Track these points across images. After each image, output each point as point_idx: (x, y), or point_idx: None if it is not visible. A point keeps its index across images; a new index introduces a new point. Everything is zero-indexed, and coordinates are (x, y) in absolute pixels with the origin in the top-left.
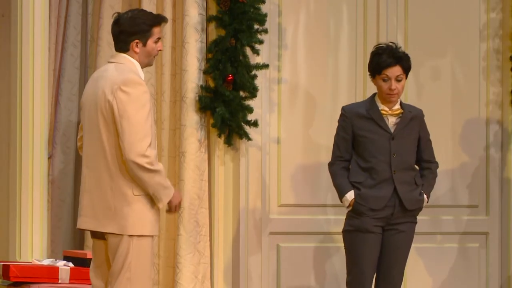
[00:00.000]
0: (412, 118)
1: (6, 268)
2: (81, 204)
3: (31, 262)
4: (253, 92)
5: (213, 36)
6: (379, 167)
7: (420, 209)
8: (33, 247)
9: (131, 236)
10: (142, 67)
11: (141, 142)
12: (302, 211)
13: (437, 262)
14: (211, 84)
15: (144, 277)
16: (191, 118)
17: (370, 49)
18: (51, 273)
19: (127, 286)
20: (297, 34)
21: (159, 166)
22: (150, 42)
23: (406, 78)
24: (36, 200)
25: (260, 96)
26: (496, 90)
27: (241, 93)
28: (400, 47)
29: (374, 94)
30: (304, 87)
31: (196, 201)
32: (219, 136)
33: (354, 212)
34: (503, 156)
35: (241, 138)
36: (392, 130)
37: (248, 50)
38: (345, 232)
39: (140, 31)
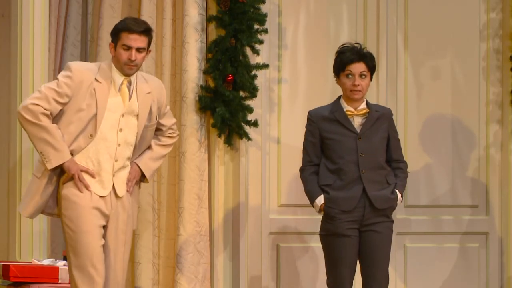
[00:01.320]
0: (379, 117)
1: (6, 268)
2: None
3: (31, 262)
4: (253, 92)
5: (213, 36)
6: (347, 167)
7: (392, 208)
8: (33, 247)
9: (67, 233)
10: (123, 73)
11: (32, 100)
12: (302, 211)
13: (437, 262)
14: (211, 84)
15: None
16: (191, 118)
17: (371, 49)
18: (51, 273)
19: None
20: (297, 34)
21: (47, 123)
22: (118, 47)
23: (371, 79)
24: None
25: (260, 96)
26: (496, 90)
27: (241, 93)
28: (365, 48)
29: (340, 97)
30: (304, 87)
31: (196, 201)
32: (219, 136)
33: (327, 216)
34: (503, 156)
35: (241, 138)
36: (358, 130)
37: (248, 50)
38: (320, 236)
39: (113, 34)
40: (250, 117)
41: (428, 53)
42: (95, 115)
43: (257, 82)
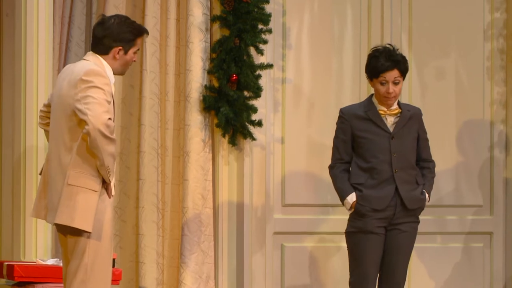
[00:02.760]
0: (411, 117)
1: (10, 268)
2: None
3: (35, 262)
4: (257, 92)
5: (217, 36)
6: (380, 166)
7: (421, 208)
8: (37, 247)
9: (89, 237)
10: (122, 74)
11: (105, 114)
12: (306, 211)
13: (441, 262)
14: (215, 84)
15: (101, 280)
16: (195, 118)
17: None
18: (55, 273)
19: None
20: (301, 34)
21: (115, 137)
22: (130, 52)
23: (404, 79)
24: None
25: (264, 96)
26: (500, 90)
27: (245, 93)
28: (397, 49)
29: (372, 95)
30: (308, 87)
31: (200, 201)
32: (223, 136)
33: (357, 214)
34: (507, 156)
35: (245, 138)
36: (391, 130)
37: (252, 50)
38: (348, 234)
39: (126, 39)
40: (254, 117)
41: (432, 53)
42: (114, 117)
43: (261, 82)
